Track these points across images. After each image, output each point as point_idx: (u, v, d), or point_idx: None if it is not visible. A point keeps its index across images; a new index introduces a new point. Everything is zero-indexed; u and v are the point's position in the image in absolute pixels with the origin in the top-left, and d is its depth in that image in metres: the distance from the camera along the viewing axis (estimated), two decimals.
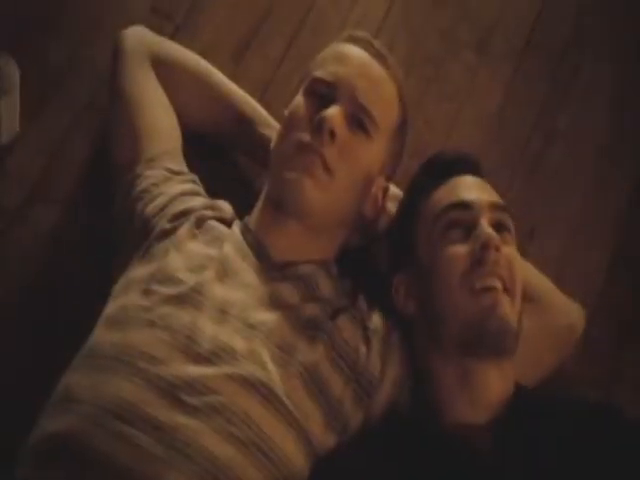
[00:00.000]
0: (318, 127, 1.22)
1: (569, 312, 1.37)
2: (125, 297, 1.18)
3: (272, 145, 1.31)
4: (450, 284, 1.16)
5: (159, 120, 1.37)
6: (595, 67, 1.65)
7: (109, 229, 1.33)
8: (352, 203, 1.28)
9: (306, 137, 1.23)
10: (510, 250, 1.20)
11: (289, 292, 1.22)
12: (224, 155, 1.47)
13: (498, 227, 1.19)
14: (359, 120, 1.26)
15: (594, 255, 1.53)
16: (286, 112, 1.30)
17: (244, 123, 1.42)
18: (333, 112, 1.23)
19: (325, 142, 1.22)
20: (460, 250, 1.17)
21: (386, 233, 1.35)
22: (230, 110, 1.42)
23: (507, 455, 1.09)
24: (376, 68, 1.30)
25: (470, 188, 1.23)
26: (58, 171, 1.42)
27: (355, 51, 1.31)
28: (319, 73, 1.28)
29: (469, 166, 1.27)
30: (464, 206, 1.20)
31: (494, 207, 1.22)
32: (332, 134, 1.22)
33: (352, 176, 1.25)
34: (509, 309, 1.14)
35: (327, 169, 1.22)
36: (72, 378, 1.13)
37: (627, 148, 1.60)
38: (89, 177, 1.42)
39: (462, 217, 1.19)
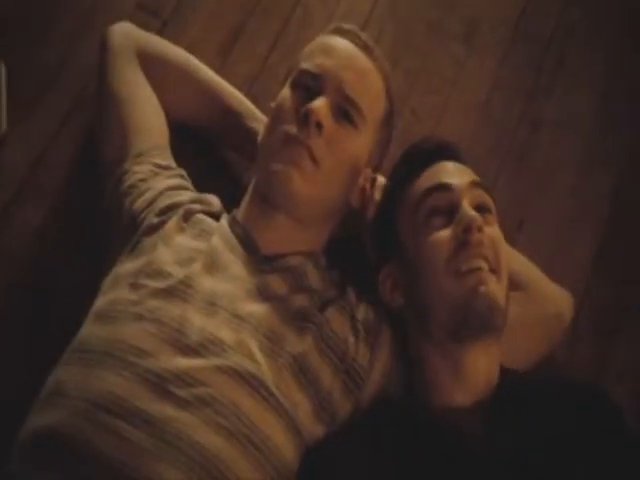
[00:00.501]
0: (305, 119, 1.22)
1: (558, 300, 1.37)
2: (114, 292, 1.19)
3: (259, 138, 1.31)
4: (436, 270, 1.16)
5: (147, 116, 1.37)
6: (581, 56, 1.66)
7: (97, 227, 1.34)
8: (339, 194, 1.29)
9: (293, 129, 1.23)
10: (493, 230, 1.20)
11: (277, 284, 1.22)
12: (212, 150, 1.48)
13: (480, 208, 1.19)
14: (346, 112, 1.26)
15: (582, 245, 1.54)
16: (273, 105, 1.31)
17: (231, 117, 1.42)
18: (319, 104, 1.23)
19: (312, 134, 1.22)
20: (443, 235, 1.17)
21: (370, 225, 1.35)
22: (217, 104, 1.43)
23: (496, 438, 1.09)
24: (362, 60, 1.30)
25: (450, 172, 1.23)
26: (46, 169, 1.42)
27: (341, 43, 1.31)
28: (306, 65, 1.28)
29: (449, 153, 1.28)
30: (444, 188, 1.20)
31: (474, 186, 1.22)
32: (319, 126, 1.22)
33: (339, 167, 1.25)
34: (496, 287, 1.15)
35: (314, 160, 1.23)
36: (61, 373, 1.13)
37: (613, 137, 1.60)
38: (77, 175, 1.42)
39: (443, 201, 1.20)
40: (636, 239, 1.54)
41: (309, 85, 1.26)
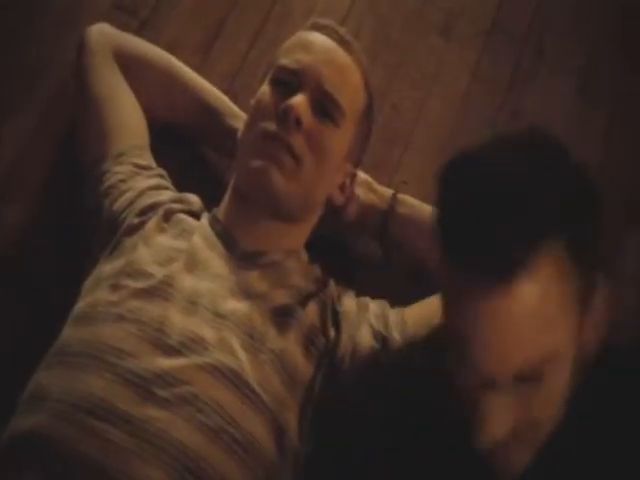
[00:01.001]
0: (284, 116, 1.22)
1: None
2: (94, 293, 1.19)
3: (239, 135, 1.31)
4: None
5: (126, 116, 1.37)
6: (560, 47, 1.65)
7: (78, 227, 1.33)
8: (320, 190, 1.29)
9: (272, 126, 1.23)
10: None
11: (258, 280, 1.22)
12: (192, 149, 1.47)
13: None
14: (325, 107, 1.25)
15: None
16: (252, 102, 1.31)
17: (211, 115, 1.42)
18: (299, 100, 1.23)
19: (291, 130, 1.22)
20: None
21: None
22: (196, 103, 1.43)
23: None
24: (341, 55, 1.30)
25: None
26: (25, 171, 1.42)
27: (319, 38, 1.31)
28: (284, 61, 1.28)
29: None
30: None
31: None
32: (298, 122, 1.22)
33: (319, 164, 1.25)
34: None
35: (294, 157, 1.22)
36: (42, 376, 1.13)
37: (592, 129, 1.61)
38: (58, 175, 1.42)
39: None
40: (617, 221, 1.54)
41: (288, 81, 1.26)
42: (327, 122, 1.26)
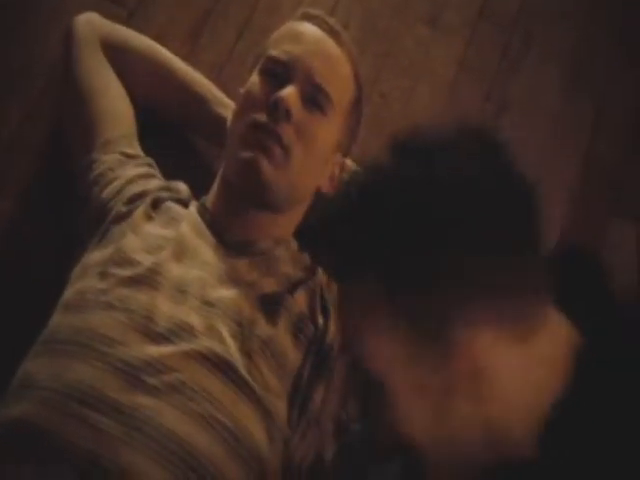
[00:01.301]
0: (274, 107, 1.22)
1: None
2: (82, 282, 1.19)
3: (228, 124, 1.31)
4: None
5: (113, 105, 1.37)
6: (547, 35, 1.66)
7: (66, 216, 1.34)
8: (309, 181, 1.29)
9: (262, 117, 1.23)
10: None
11: (247, 268, 1.22)
12: (181, 137, 1.47)
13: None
14: (315, 99, 1.26)
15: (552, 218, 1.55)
16: (242, 90, 1.31)
17: (199, 104, 1.42)
18: (289, 92, 1.23)
19: (281, 122, 1.22)
20: None
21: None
22: (184, 91, 1.42)
23: None
24: (331, 45, 1.30)
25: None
26: (14, 158, 1.41)
27: (310, 29, 1.31)
28: (274, 52, 1.28)
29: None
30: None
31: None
32: (288, 114, 1.22)
33: (309, 155, 1.25)
34: None
35: (283, 147, 1.23)
36: (30, 365, 1.13)
37: (578, 118, 1.61)
38: (46, 164, 1.42)
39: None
40: (601, 213, 1.56)
41: (278, 72, 1.26)
42: (317, 113, 1.26)
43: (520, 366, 0.81)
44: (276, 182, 1.23)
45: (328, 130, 1.28)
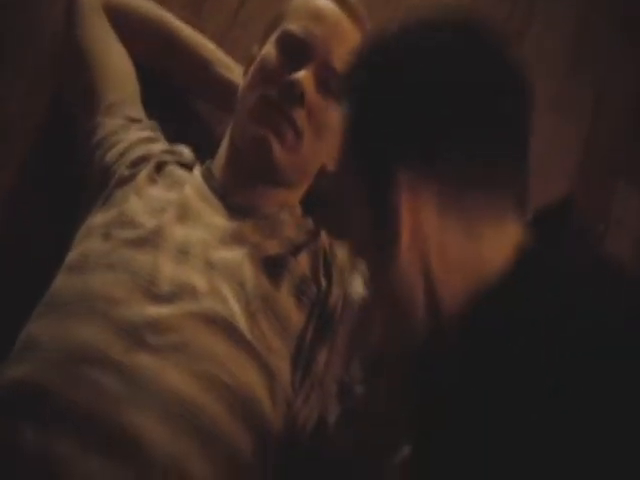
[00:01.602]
0: (289, 89, 1.21)
1: None
2: (85, 243, 1.19)
3: (239, 90, 1.30)
4: None
5: (116, 68, 1.36)
6: (548, 16, 1.66)
7: (69, 183, 1.33)
8: (317, 160, 1.30)
9: (274, 94, 1.23)
10: None
11: (251, 230, 1.22)
12: (185, 101, 1.46)
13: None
14: (329, 84, 1.24)
15: (555, 193, 1.54)
16: (254, 51, 1.30)
17: (204, 66, 1.40)
18: (304, 75, 1.22)
19: (295, 104, 1.22)
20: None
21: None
22: (189, 54, 1.41)
23: None
24: (350, 29, 1.28)
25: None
26: (15, 136, 1.40)
27: (330, 8, 1.28)
28: (293, 27, 1.26)
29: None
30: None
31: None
32: (302, 98, 1.22)
33: (319, 138, 1.25)
34: None
35: (295, 130, 1.23)
36: (33, 327, 1.13)
37: (579, 102, 1.61)
38: (49, 132, 1.41)
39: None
40: (603, 195, 1.56)
41: (295, 49, 1.24)
42: (330, 98, 1.24)
43: (462, 243, 0.84)
44: (285, 164, 1.23)
45: (340, 116, 1.27)
